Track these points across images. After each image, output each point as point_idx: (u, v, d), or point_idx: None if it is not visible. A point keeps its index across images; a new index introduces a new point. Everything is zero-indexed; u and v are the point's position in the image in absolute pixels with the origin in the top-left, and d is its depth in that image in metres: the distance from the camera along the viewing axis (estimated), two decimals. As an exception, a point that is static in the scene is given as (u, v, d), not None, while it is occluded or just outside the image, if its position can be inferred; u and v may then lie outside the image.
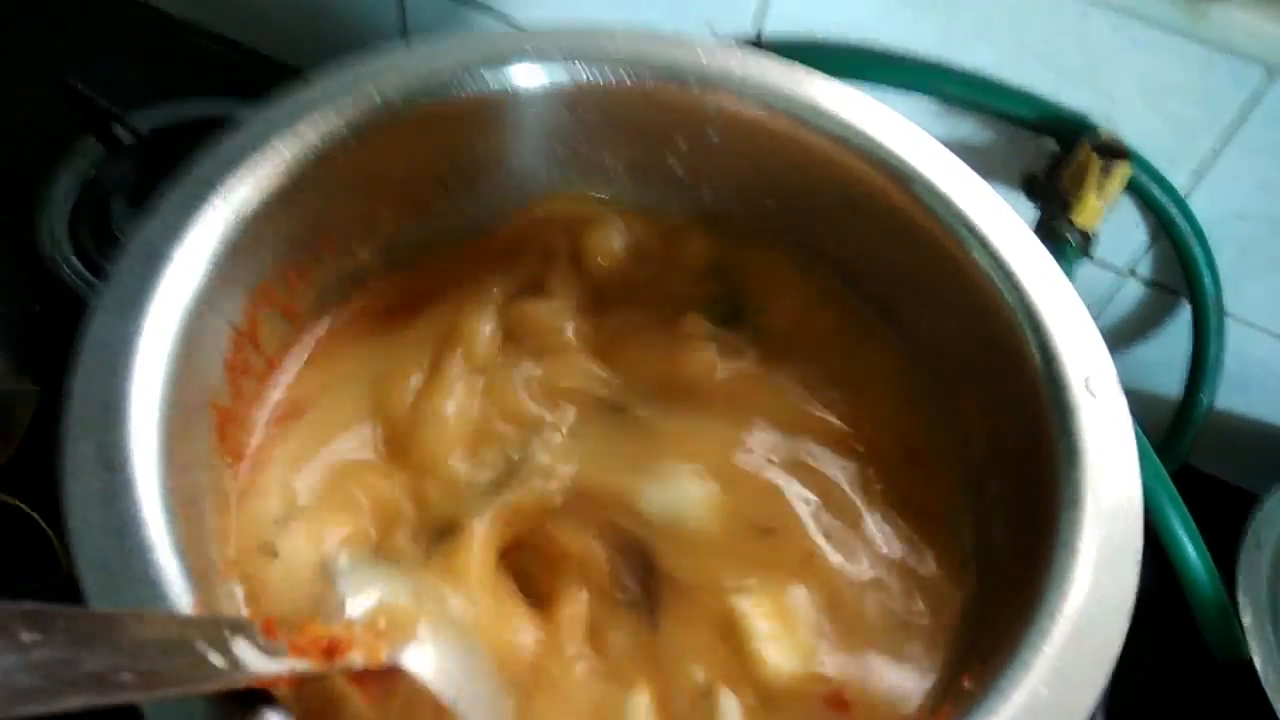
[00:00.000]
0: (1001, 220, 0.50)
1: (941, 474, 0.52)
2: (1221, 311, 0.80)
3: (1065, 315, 0.46)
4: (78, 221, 0.73)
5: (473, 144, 0.55)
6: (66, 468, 0.37)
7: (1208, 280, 0.79)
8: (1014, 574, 0.42)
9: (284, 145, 0.47)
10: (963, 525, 0.50)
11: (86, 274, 0.70)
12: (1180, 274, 0.80)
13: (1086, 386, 0.43)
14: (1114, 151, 0.73)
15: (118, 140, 0.75)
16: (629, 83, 0.53)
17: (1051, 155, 0.79)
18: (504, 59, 0.52)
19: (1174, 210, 0.76)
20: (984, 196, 0.50)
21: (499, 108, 0.54)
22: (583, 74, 0.53)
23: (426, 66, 0.51)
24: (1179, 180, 0.76)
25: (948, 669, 0.45)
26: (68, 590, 0.60)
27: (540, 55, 0.53)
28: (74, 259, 0.71)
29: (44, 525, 0.61)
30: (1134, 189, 0.75)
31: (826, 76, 0.54)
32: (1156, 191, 0.76)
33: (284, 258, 0.49)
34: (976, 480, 0.50)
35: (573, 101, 0.55)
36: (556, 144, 0.57)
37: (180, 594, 0.35)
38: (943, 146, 0.52)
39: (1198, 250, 0.78)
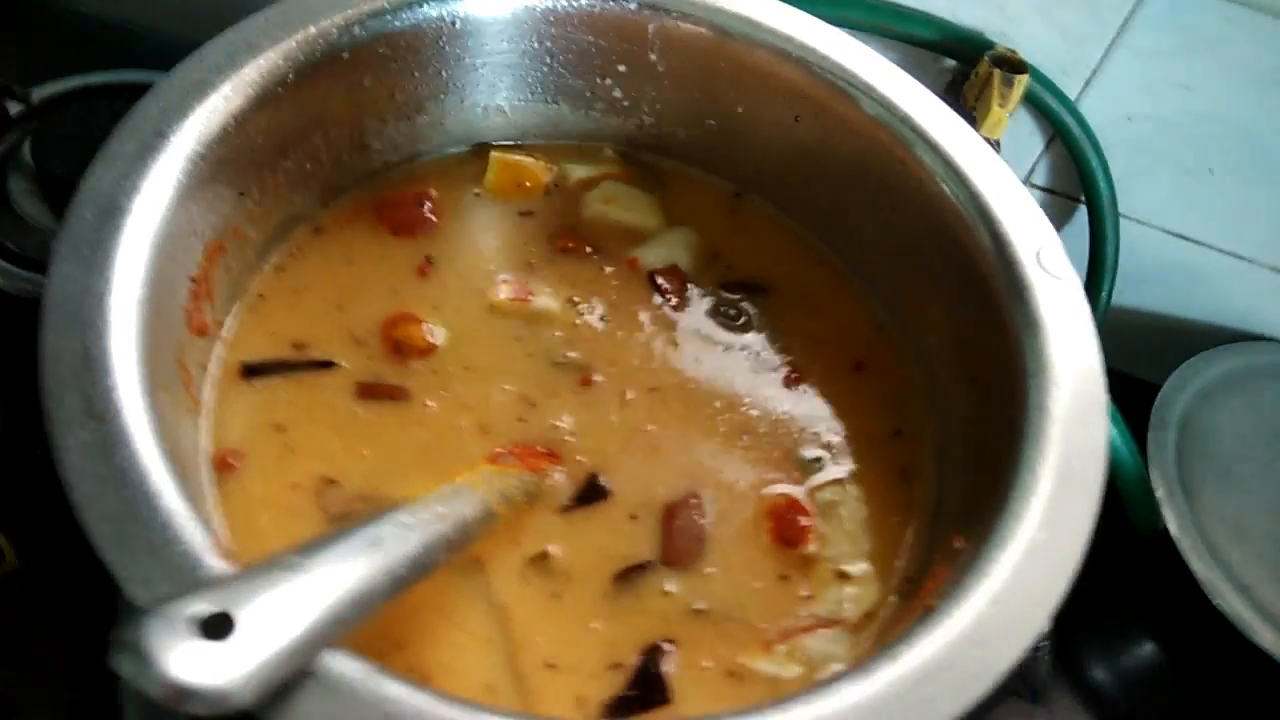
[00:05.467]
0: (940, 117, 0.52)
1: (892, 374, 0.55)
2: (1116, 212, 0.84)
3: (1009, 198, 0.49)
4: (-29, 201, 0.69)
5: (410, 77, 0.55)
6: (55, 420, 0.36)
7: (1102, 182, 0.83)
8: (991, 444, 0.45)
9: (227, 86, 0.46)
10: (921, 416, 0.53)
11: (-14, 254, 0.67)
12: (1075, 179, 0.84)
13: (1039, 262, 0.46)
14: (1013, 65, 0.77)
15: (6, 114, 0.71)
16: (567, 7, 0.53)
17: (952, 73, 0.82)
18: (441, -11, 0.52)
19: (1068, 117, 0.80)
20: (920, 96, 0.53)
21: (435, 39, 0.53)
22: (520, 2, 0.53)
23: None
24: (1071, 88, 0.80)
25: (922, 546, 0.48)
26: (15, 581, 0.58)
27: (477, -16, 0.52)
28: (-27, 240, 0.67)
29: (-16, 517, 0.59)
30: (1029, 99, 0.79)
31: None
32: (1051, 100, 0.80)
33: (233, 202, 0.48)
34: (933, 368, 0.53)
35: (511, 31, 0.55)
36: (493, 75, 0.57)
37: (194, 535, 0.35)
38: (875, 53, 0.54)
39: (1091, 154, 0.82)
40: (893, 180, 0.53)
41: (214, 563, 0.34)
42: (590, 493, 0.48)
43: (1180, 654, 0.77)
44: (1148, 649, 0.79)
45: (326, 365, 0.50)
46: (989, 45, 0.78)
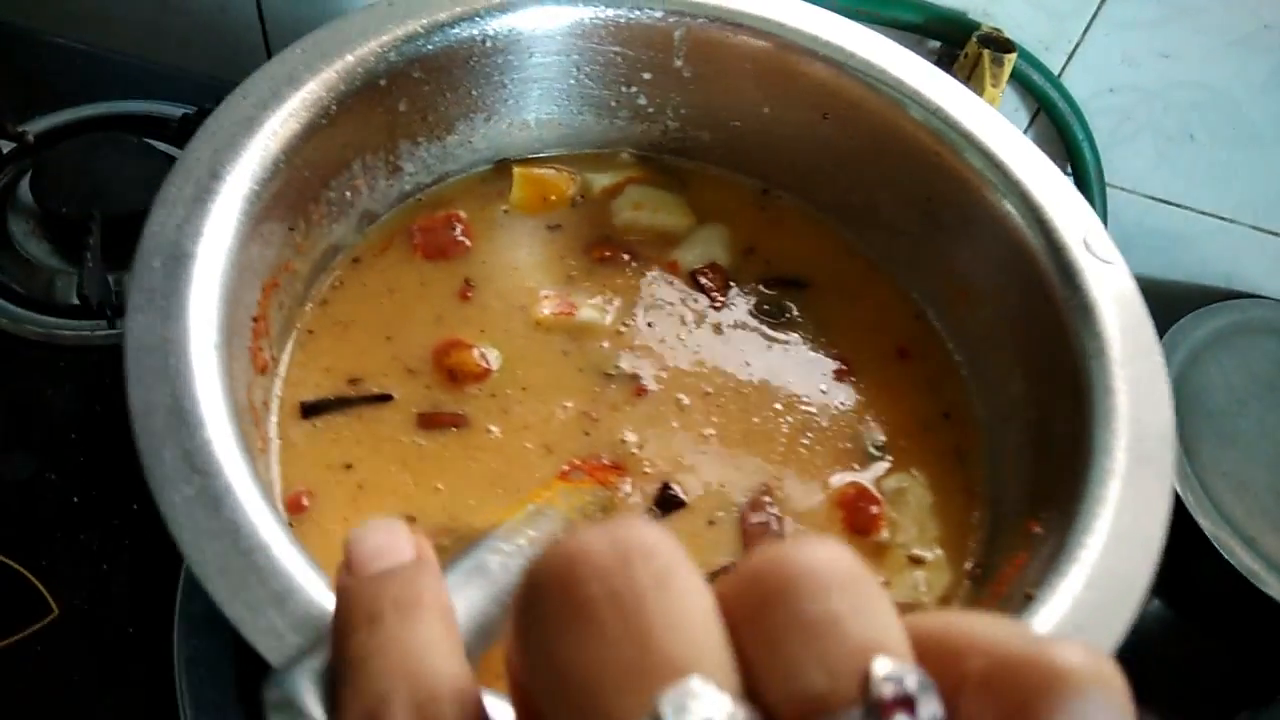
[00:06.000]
0: (971, 106, 0.53)
1: (935, 359, 0.56)
2: (1103, 182, 0.87)
3: (1049, 184, 0.50)
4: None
5: (442, 97, 0.54)
6: (156, 477, 0.35)
7: (1087, 153, 0.85)
8: (1053, 425, 0.46)
9: (275, 121, 0.45)
10: (967, 398, 0.54)
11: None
12: (1061, 152, 0.86)
13: (1087, 247, 0.47)
14: (999, 44, 0.78)
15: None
16: (594, 19, 0.53)
17: (937, 55, 0.83)
18: (471, 9, 0.51)
19: (1052, 92, 0.82)
20: (949, 87, 0.53)
21: (466, 59, 0.53)
22: (547, 18, 0.53)
23: (395, 24, 0.50)
24: (1054, 63, 0.82)
25: (989, 530, 0.49)
26: (58, 629, 0.57)
27: (508, 3, 0.52)
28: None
29: (26, 573, 0.57)
30: (1014, 75, 0.80)
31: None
32: (1035, 76, 0.81)
33: (283, 237, 0.48)
34: (978, 351, 0.54)
35: (538, 47, 0.55)
36: (520, 91, 0.57)
37: (313, 582, 0.34)
38: (900, 46, 0.55)
39: (1076, 127, 0.84)
40: (928, 172, 0.54)
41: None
42: (667, 502, 0.48)
43: (1189, 609, 0.80)
44: (1155, 605, 0.81)
45: (384, 398, 0.50)
46: (974, 25, 0.80)
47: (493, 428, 0.50)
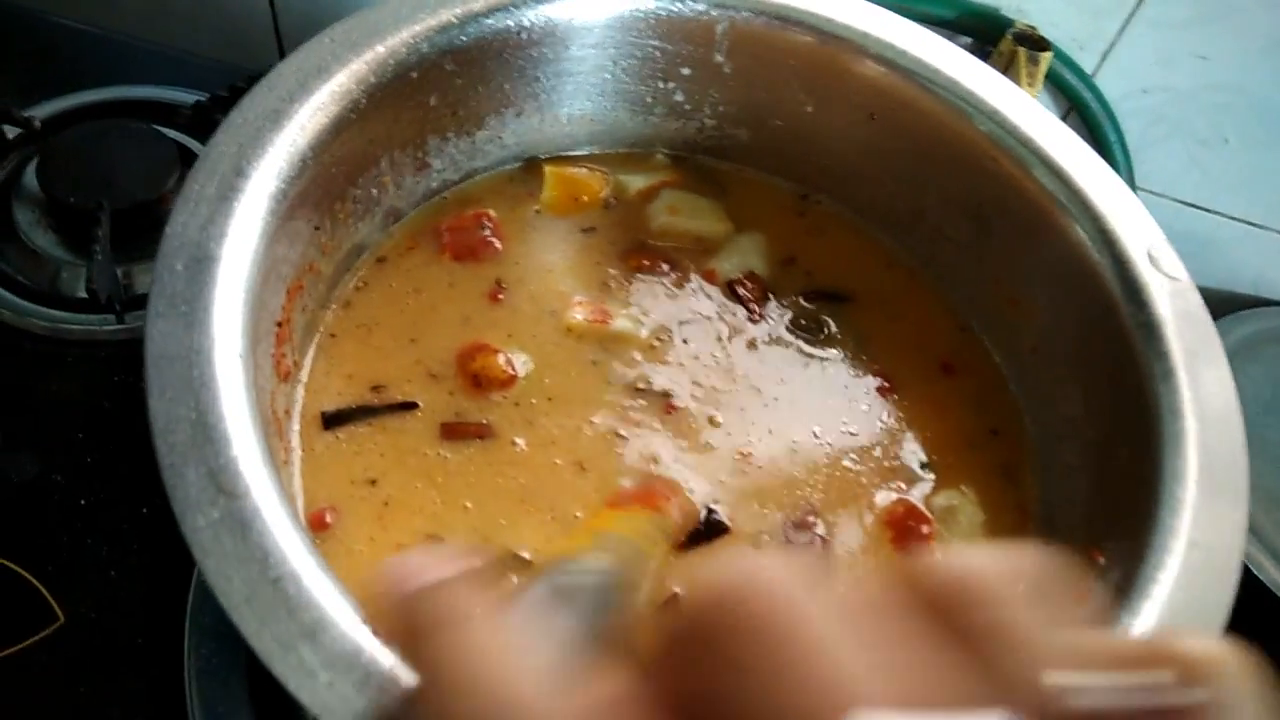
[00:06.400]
0: (1027, 109, 0.51)
1: (981, 374, 0.54)
2: (1133, 185, 0.85)
3: (1112, 194, 0.48)
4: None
5: (474, 92, 0.52)
6: (179, 499, 0.33)
7: (1119, 154, 0.83)
8: (1113, 448, 0.44)
9: (303, 115, 0.42)
10: (1015, 414, 0.52)
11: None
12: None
13: (1152, 262, 0.45)
14: (1034, 42, 0.76)
15: (4, 137, 0.66)
16: (634, 12, 0.51)
17: (971, 52, 0.81)
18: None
19: (1085, 92, 0.80)
20: (1007, 90, 0.51)
21: (500, 51, 0.51)
22: (586, 10, 0.50)
23: (427, 13, 0.47)
24: (1088, 62, 0.79)
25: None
26: (64, 638, 0.55)
27: (542, -6, 0.50)
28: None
29: (31, 578, 0.55)
30: (1047, 74, 0.78)
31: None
32: (1068, 75, 0.79)
33: (308, 238, 0.45)
34: (1028, 367, 0.52)
35: (574, 39, 0.52)
36: (554, 86, 0.55)
37: (345, 615, 0.32)
38: (952, 44, 0.53)
39: (1108, 127, 0.82)
40: (982, 178, 0.51)
41: (370, 645, 0.31)
42: (711, 526, 0.46)
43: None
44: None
45: (407, 407, 0.48)
46: (1007, 22, 0.77)
47: (518, 440, 0.47)
